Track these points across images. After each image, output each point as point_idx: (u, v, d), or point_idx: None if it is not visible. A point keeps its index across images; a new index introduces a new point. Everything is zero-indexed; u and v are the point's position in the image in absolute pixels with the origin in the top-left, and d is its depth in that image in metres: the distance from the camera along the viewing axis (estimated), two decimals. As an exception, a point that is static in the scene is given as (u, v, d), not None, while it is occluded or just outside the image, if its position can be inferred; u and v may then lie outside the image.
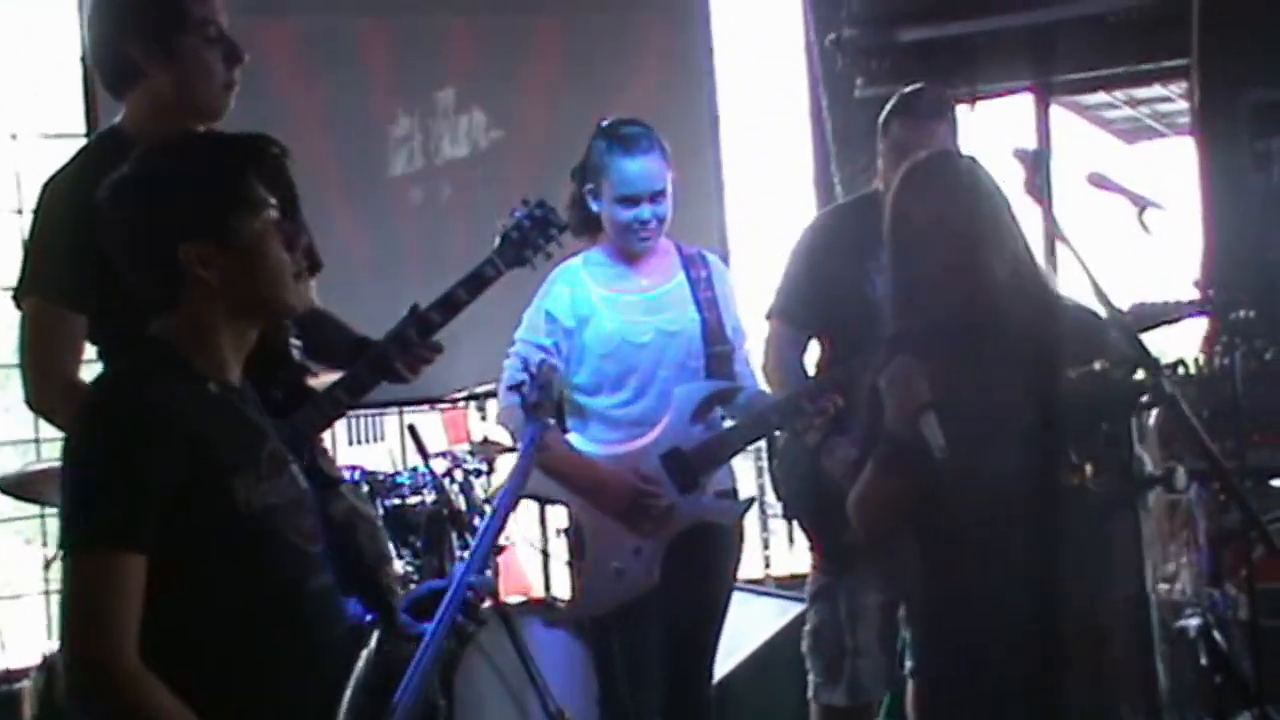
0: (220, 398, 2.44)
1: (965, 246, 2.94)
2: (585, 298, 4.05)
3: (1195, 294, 4.07)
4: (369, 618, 2.56)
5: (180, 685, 2.25)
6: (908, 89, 4.45)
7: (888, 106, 4.35)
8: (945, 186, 3.01)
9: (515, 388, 3.54)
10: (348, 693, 2.44)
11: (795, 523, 4.49)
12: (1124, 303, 3.85)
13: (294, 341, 3.46)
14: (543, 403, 3.29)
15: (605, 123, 4.12)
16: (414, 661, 2.61)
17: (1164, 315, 4.07)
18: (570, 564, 4.23)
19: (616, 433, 4.08)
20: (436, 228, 6.40)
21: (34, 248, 3.28)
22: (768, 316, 4.39)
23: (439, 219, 6.46)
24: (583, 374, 4.09)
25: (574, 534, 4.15)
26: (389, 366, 3.34)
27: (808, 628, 4.40)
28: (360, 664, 2.49)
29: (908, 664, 4.37)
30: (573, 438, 4.09)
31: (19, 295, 3.28)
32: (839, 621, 4.27)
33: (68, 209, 3.25)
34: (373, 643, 2.53)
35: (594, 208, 4.03)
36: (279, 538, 2.41)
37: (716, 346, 4.12)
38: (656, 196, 4.01)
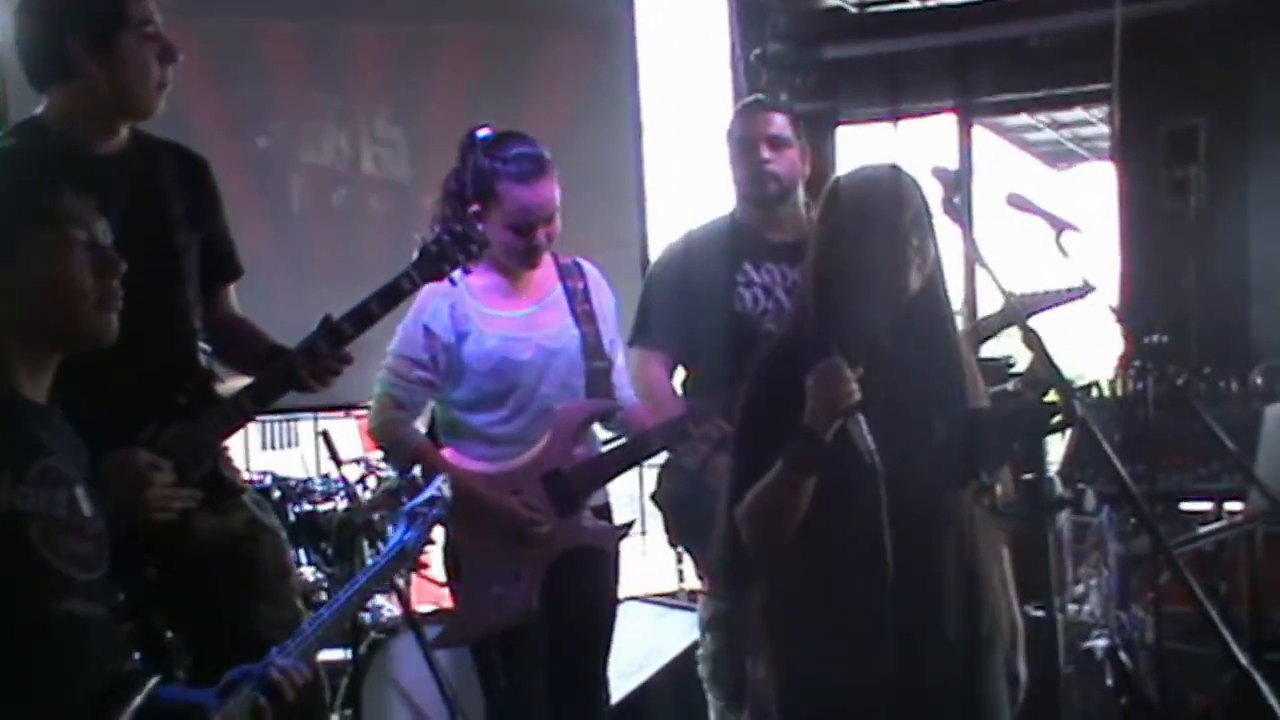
0: None
1: (896, 248, 2.93)
2: (464, 313, 3.94)
3: (1111, 320, 4.10)
4: (141, 666, 2.46)
5: None
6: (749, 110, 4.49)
7: (728, 130, 4.37)
8: (884, 186, 3.01)
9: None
10: None
11: (682, 549, 4.42)
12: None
13: (202, 346, 3.42)
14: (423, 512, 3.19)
15: (485, 136, 3.97)
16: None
17: (1046, 302, 4.12)
18: (449, 586, 4.13)
19: (495, 450, 3.96)
20: (348, 235, 6.35)
21: None
22: (632, 344, 4.31)
23: (351, 227, 6.42)
24: (461, 390, 3.98)
25: (451, 555, 4.02)
26: (296, 376, 3.31)
27: (703, 653, 4.37)
28: (128, 713, 2.34)
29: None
30: (448, 454, 3.98)
31: None
32: (737, 646, 4.25)
33: None
34: (138, 700, 2.37)
35: (479, 227, 3.89)
36: (27, 546, 2.31)
37: (596, 362, 4.04)
38: (550, 218, 3.96)
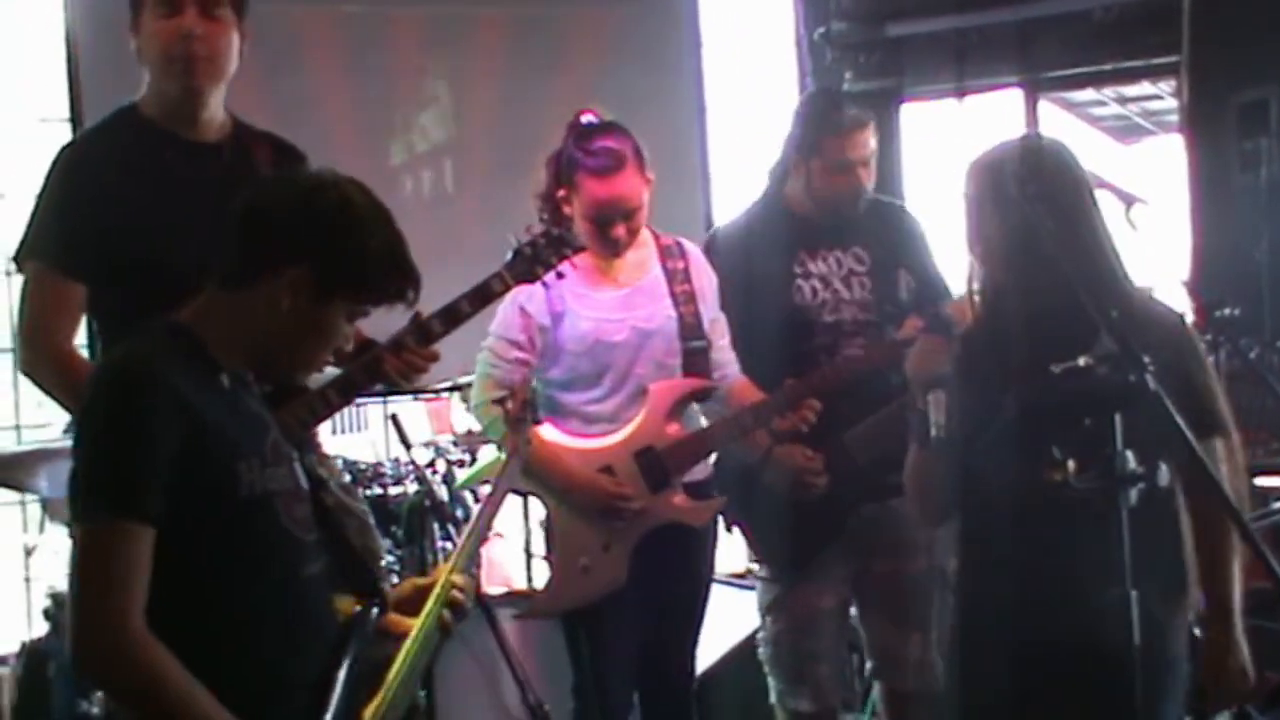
0: (230, 388, 2.48)
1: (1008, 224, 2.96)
2: (559, 294, 3.99)
3: (1182, 294, 4.07)
4: (370, 605, 2.56)
5: (182, 659, 2.27)
6: (820, 100, 4.43)
7: (806, 119, 4.28)
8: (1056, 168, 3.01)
9: (499, 401, 3.52)
10: (340, 681, 2.45)
11: (738, 530, 4.42)
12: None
13: None
14: (524, 418, 3.26)
15: (584, 122, 4.01)
16: (399, 662, 2.59)
17: None
18: (545, 558, 4.21)
19: (591, 428, 4.03)
20: (421, 217, 6.40)
21: (40, 213, 3.32)
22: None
23: (421, 208, 6.46)
24: (557, 370, 4.05)
25: (547, 528, 4.13)
26: (382, 371, 3.33)
27: (764, 636, 4.38)
28: (349, 655, 2.49)
29: (869, 665, 4.40)
30: (545, 432, 4.04)
31: (19, 258, 3.33)
32: (796, 629, 4.25)
33: (76, 179, 3.28)
34: (370, 629, 2.54)
35: (566, 210, 3.96)
36: (278, 524, 2.45)
37: (693, 342, 4.07)
38: (630, 214, 3.97)
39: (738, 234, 4.35)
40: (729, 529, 4.30)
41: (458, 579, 2.71)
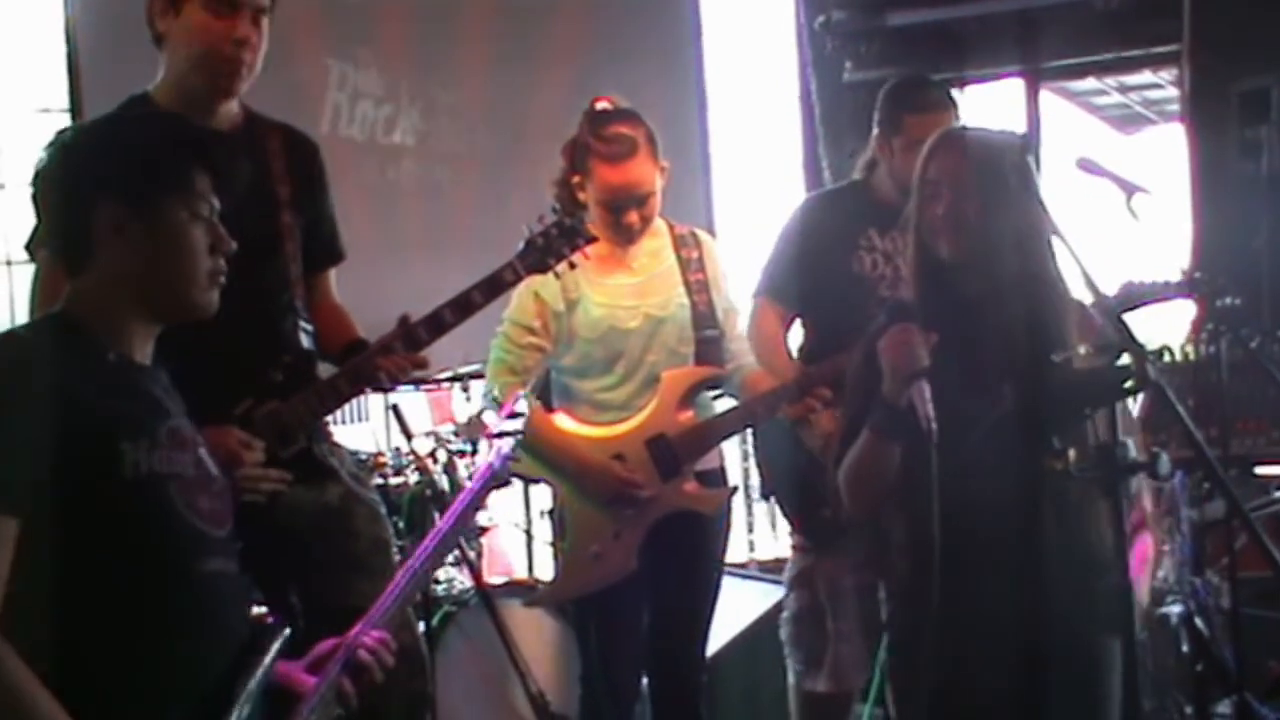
0: (117, 367, 2.40)
1: (965, 210, 2.93)
2: (574, 281, 4.01)
3: (1182, 276, 4.07)
4: (272, 620, 2.49)
5: (53, 655, 2.19)
6: (906, 82, 4.43)
7: (892, 98, 4.31)
8: (970, 148, 3.01)
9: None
10: (245, 690, 2.35)
11: (774, 499, 4.46)
12: (1111, 284, 3.86)
13: (305, 327, 3.46)
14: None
15: (598, 109, 4.07)
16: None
17: (1150, 295, 4.08)
18: (553, 545, 4.22)
19: (603, 415, 4.07)
20: (390, 209, 6.38)
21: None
22: (755, 295, 4.37)
23: (416, 199, 6.45)
24: (570, 356, 4.08)
25: (557, 516, 4.14)
26: (372, 371, 3.34)
27: (787, 614, 4.39)
28: (262, 667, 2.39)
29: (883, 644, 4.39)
30: (558, 418, 4.08)
31: (31, 246, 3.33)
32: (819, 606, 4.27)
33: None
34: (271, 654, 2.42)
35: (581, 197, 3.99)
36: (170, 509, 2.36)
37: (706, 331, 4.11)
38: (643, 200, 3.98)
39: (817, 204, 4.42)
40: (765, 497, 4.33)
41: (367, 639, 2.53)
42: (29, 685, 2.16)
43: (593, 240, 3.75)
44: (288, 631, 2.46)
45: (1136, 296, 4.00)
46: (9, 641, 2.16)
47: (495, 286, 3.52)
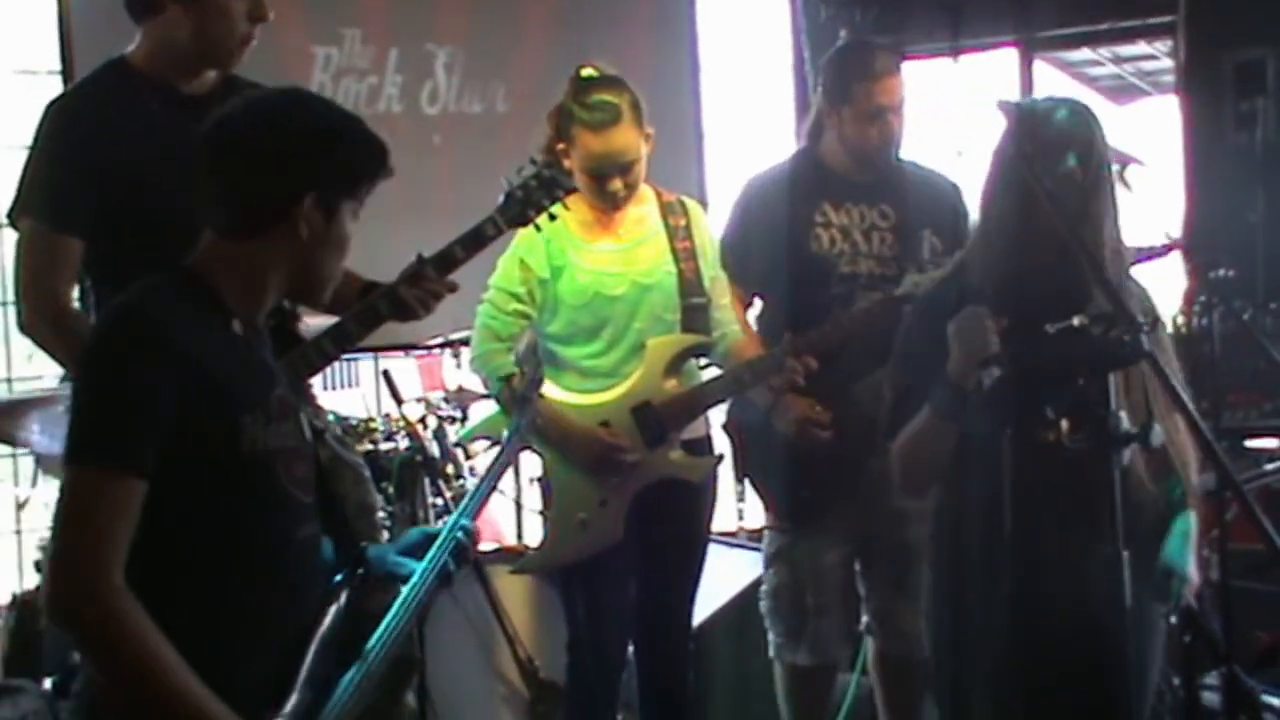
0: (240, 338, 2.44)
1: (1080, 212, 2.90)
2: (560, 247, 4.01)
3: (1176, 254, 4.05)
4: (337, 578, 2.54)
5: (159, 615, 2.23)
6: (851, 47, 4.40)
7: (838, 66, 4.28)
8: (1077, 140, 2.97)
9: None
10: (313, 648, 2.43)
11: (748, 481, 4.45)
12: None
13: None
14: (530, 396, 3.24)
15: (583, 76, 4.04)
16: (397, 605, 2.60)
17: (1133, 257, 4.07)
18: (541, 513, 4.22)
19: (589, 383, 4.06)
20: (411, 174, 6.36)
21: (31, 170, 3.31)
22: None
23: (414, 165, 6.42)
24: (556, 323, 4.07)
25: (544, 483, 4.14)
26: (399, 301, 3.35)
27: (766, 589, 4.39)
28: (328, 620, 2.48)
29: (864, 620, 4.39)
30: (544, 386, 4.06)
31: (13, 216, 3.32)
32: (799, 581, 4.26)
33: (67, 134, 3.27)
34: (342, 600, 2.53)
35: (566, 164, 3.97)
36: (277, 483, 2.42)
37: (693, 299, 4.10)
38: (627, 168, 3.97)
39: (767, 182, 4.36)
40: (739, 479, 4.32)
41: (466, 523, 2.71)
42: (160, 644, 2.22)
43: (573, 190, 3.75)
44: (347, 590, 2.55)
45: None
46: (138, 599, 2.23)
47: (478, 241, 3.51)
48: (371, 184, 2.49)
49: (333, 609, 2.49)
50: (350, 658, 2.49)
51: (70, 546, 2.23)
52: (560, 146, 3.96)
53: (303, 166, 2.41)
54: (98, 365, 2.33)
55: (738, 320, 4.23)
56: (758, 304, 4.38)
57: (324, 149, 2.42)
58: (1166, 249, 4.03)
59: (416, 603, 2.61)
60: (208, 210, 2.44)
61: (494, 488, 2.92)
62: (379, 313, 3.36)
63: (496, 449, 3.11)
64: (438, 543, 2.67)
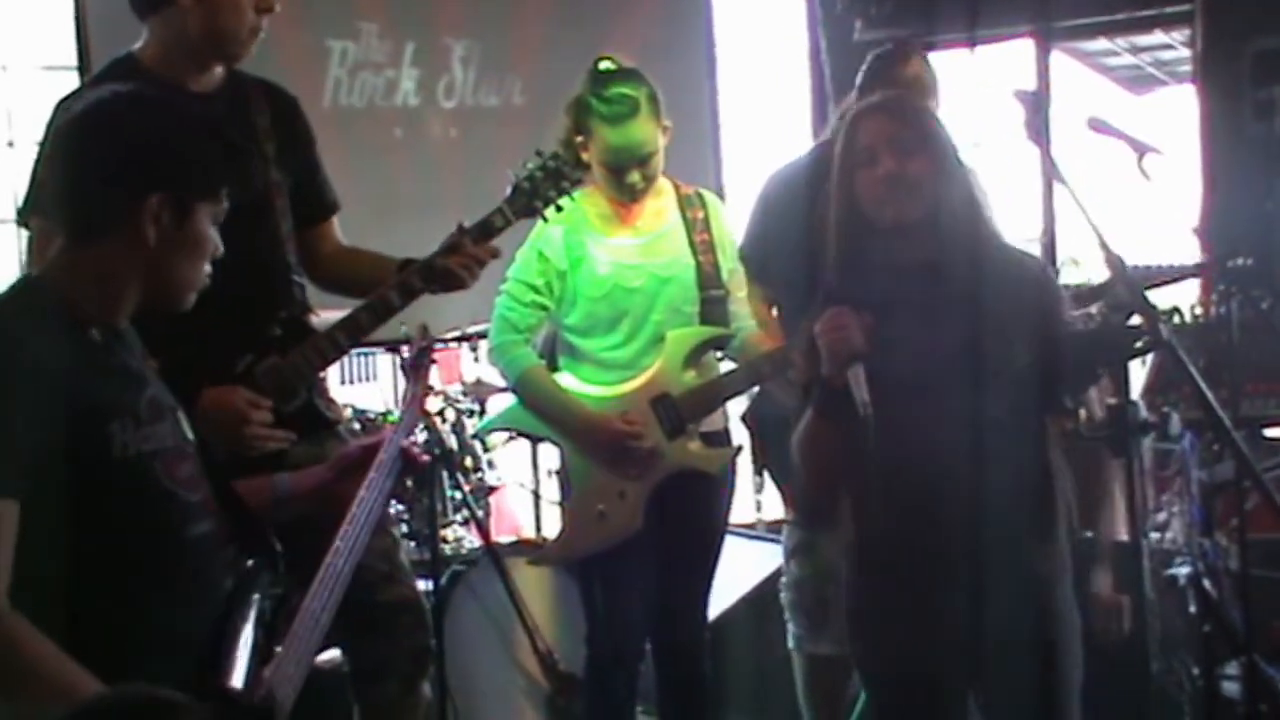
0: (101, 344, 2.39)
1: (908, 165, 2.91)
2: (578, 240, 4.02)
3: (1193, 242, 4.05)
4: (249, 562, 2.49)
5: (57, 632, 2.20)
6: (887, 53, 4.39)
7: (870, 69, 4.27)
8: (894, 116, 2.99)
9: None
10: (245, 635, 2.38)
11: (768, 475, 4.45)
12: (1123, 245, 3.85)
13: (299, 282, 3.46)
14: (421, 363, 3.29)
15: (600, 69, 4.05)
16: (351, 522, 2.62)
17: (1159, 278, 4.07)
18: (560, 504, 4.23)
19: (608, 375, 4.07)
20: (428, 167, 6.38)
21: (41, 170, 3.29)
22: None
23: (431, 158, 6.44)
24: (575, 315, 4.08)
25: (563, 475, 4.15)
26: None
27: (786, 580, 4.39)
28: (251, 609, 2.42)
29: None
30: (563, 378, 4.08)
31: (24, 215, 3.34)
32: (820, 574, 4.25)
33: None
34: (264, 584, 2.48)
35: (584, 156, 3.98)
36: (157, 485, 2.37)
37: (711, 291, 4.10)
38: (645, 160, 3.97)
39: (787, 177, 4.35)
40: (759, 472, 4.31)
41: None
42: (64, 662, 2.18)
43: (579, 182, 3.75)
44: (266, 575, 2.50)
45: (1150, 277, 4.00)
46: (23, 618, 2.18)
47: (486, 232, 3.51)
48: (228, 187, 2.44)
49: (250, 606, 2.43)
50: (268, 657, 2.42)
51: None
52: (578, 139, 3.97)
53: (140, 168, 2.37)
54: None
55: (756, 315, 4.22)
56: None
57: (162, 150, 2.38)
58: (1198, 269, 4.03)
59: (366, 524, 2.64)
60: (55, 216, 2.42)
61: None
62: (390, 304, 3.37)
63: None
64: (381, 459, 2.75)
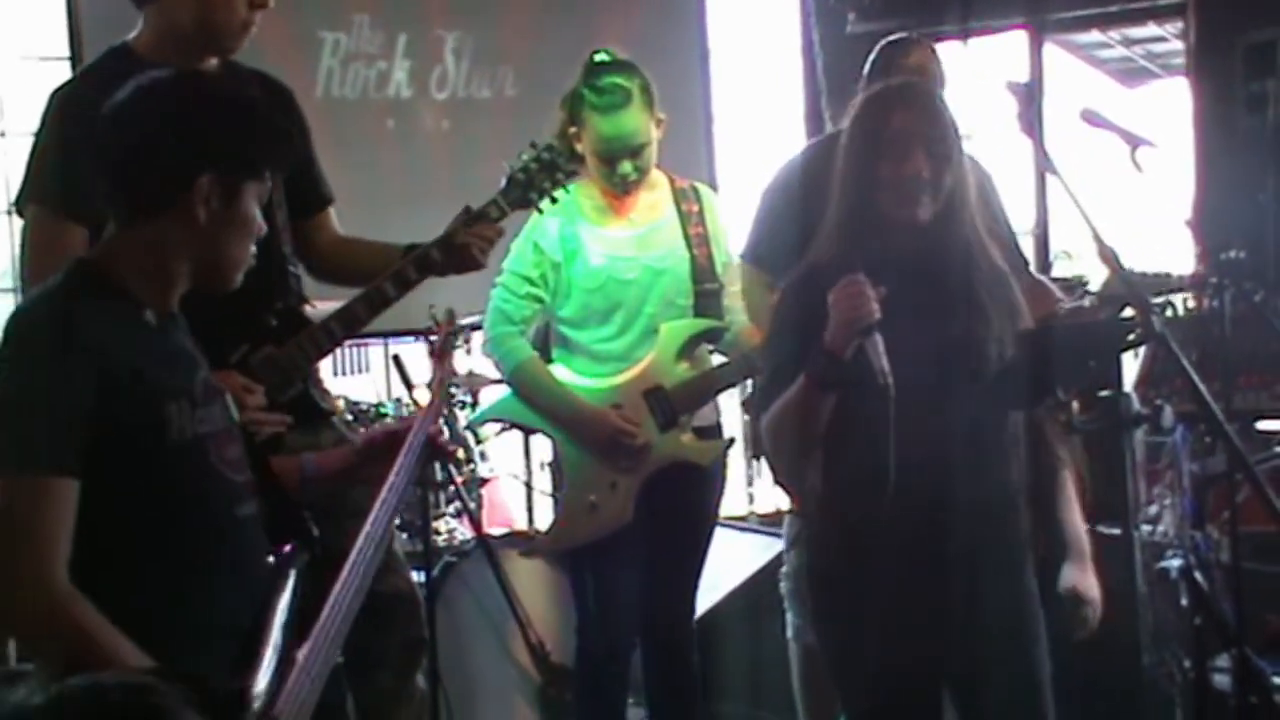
0: (155, 326, 2.42)
1: (933, 164, 2.90)
2: (573, 232, 4.03)
3: (1186, 235, 4.05)
4: (288, 547, 2.52)
5: (109, 609, 2.23)
6: (889, 42, 4.39)
7: (877, 59, 4.28)
8: (926, 112, 2.97)
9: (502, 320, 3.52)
10: (280, 617, 2.40)
11: (767, 464, 4.46)
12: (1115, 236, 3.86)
13: (294, 272, 3.46)
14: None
15: (596, 59, 4.06)
16: (377, 505, 2.66)
17: (1161, 285, 4.08)
18: (552, 495, 4.24)
19: (601, 366, 4.08)
20: (420, 159, 6.37)
21: (37, 158, 3.32)
22: (740, 257, 4.31)
23: (423, 150, 6.43)
24: (569, 307, 4.08)
25: (555, 466, 4.17)
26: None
27: (786, 570, 4.39)
28: (287, 592, 2.45)
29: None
30: (557, 370, 4.09)
31: (20, 203, 3.33)
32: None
33: (71, 121, 3.26)
34: (291, 579, 2.49)
35: (578, 148, 3.98)
36: (209, 466, 2.41)
37: (705, 284, 4.11)
38: (637, 151, 3.97)
39: (792, 169, 4.35)
40: (756, 458, 4.32)
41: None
42: (119, 640, 2.21)
43: (574, 173, 3.75)
44: (306, 557, 2.53)
45: (1154, 285, 4.00)
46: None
47: (481, 224, 3.51)
48: (274, 165, 2.50)
49: (286, 589, 2.46)
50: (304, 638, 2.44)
51: (10, 557, 2.22)
52: (572, 130, 3.98)
53: (189, 148, 2.39)
54: (11, 371, 2.31)
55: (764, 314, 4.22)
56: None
57: (211, 132, 2.41)
58: (1195, 278, 4.03)
59: (392, 505, 2.68)
60: (106, 200, 2.44)
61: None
62: (386, 295, 3.37)
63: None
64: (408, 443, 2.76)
